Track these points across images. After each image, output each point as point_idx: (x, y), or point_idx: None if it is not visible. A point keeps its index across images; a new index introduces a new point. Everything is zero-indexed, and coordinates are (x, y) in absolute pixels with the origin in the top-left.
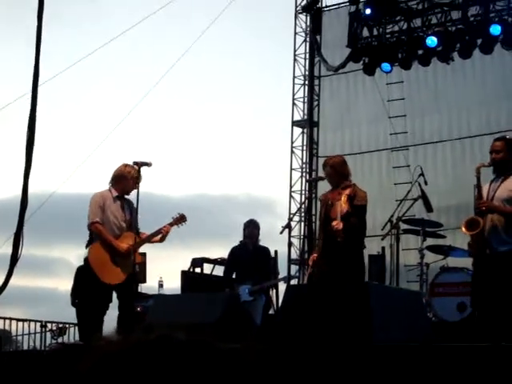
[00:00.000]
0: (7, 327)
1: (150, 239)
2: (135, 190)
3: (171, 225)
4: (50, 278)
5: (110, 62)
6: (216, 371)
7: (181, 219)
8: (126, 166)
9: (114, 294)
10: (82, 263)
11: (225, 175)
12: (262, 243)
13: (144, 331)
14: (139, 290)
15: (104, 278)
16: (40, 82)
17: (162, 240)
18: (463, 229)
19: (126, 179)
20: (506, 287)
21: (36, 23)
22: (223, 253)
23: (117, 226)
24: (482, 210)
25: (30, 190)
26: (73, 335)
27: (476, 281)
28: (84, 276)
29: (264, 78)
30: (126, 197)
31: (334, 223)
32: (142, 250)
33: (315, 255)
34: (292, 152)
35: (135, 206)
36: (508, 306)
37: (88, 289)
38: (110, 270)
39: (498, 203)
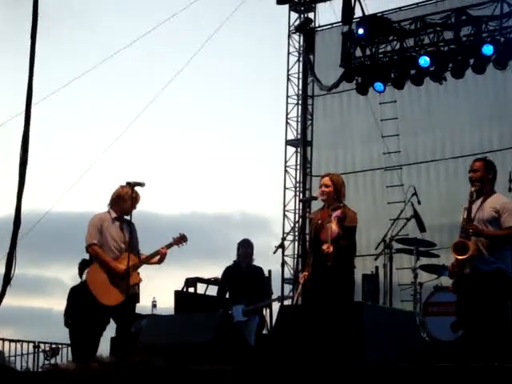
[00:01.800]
0: (0, 348)
1: (148, 260)
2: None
3: (171, 245)
4: (43, 298)
5: (103, 82)
6: None
7: (181, 239)
8: (123, 187)
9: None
10: (75, 283)
11: (219, 194)
12: (256, 262)
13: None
14: None
15: (102, 299)
16: (34, 101)
17: (160, 262)
18: (452, 253)
19: (123, 200)
20: (494, 306)
21: (30, 42)
22: (217, 272)
23: (116, 247)
24: (469, 232)
25: (24, 210)
26: (66, 356)
27: (461, 301)
28: (81, 297)
29: (257, 97)
30: (126, 218)
31: (325, 246)
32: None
33: (306, 273)
34: (285, 171)
35: (134, 227)
36: (497, 325)
37: (85, 310)
38: (109, 292)
39: (480, 224)
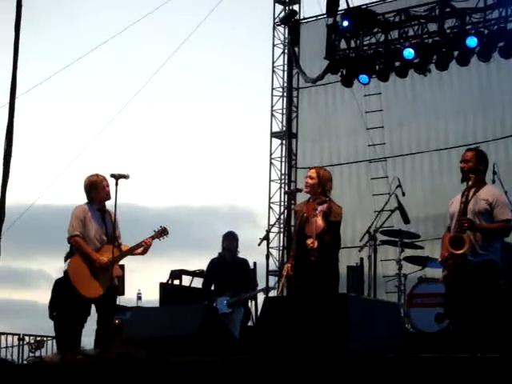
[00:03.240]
0: None
1: (132, 251)
2: (112, 202)
3: (153, 238)
4: (28, 291)
5: (88, 73)
6: None
7: (162, 232)
8: (91, 175)
9: (94, 307)
10: (61, 276)
11: (205, 187)
12: (243, 254)
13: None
14: (117, 303)
15: (83, 291)
16: (18, 93)
17: (144, 253)
18: (449, 247)
19: (97, 189)
20: (483, 297)
21: (14, 34)
22: (203, 265)
23: (97, 238)
24: (464, 226)
25: (8, 202)
26: (51, 348)
27: (450, 292)
28: (63, 289)
29: (242, 89)
30: (108, 209)
31: (309, 241)
32: (120, 262)
33: (289, 265)
34: (271, 163)
35: (116, 217)
36: (483, 316)
37: (66, 302)
38: (90, 284)
39: (472, 216)
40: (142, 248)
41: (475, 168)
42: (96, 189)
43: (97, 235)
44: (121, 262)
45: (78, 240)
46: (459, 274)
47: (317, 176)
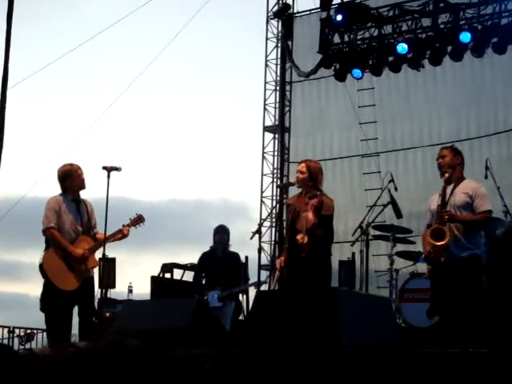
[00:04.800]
0: None
1: (109, 240)
2: (104, 195)
3: (129, 226)
4: (19, 283)
5: (81, 64)
6: (168, 379)
7: (138, 220)
8: (65, 164)
9: None
10: None
11: (198, 180)
12: (235, 248)
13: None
14: (108, 296)
15: (59, 284)
16: (10, 84)
17: (121, 238)
18: (430, 239)
19: (72, 178)
20: (469, 292)
21: (5, 25)
22: (194, 258)
23: (73, 229)
24: (444, 219)
25: None
26: (41, 341)
27: (436, 288)
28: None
29: (235, 83)
30: (83, 198)
31: (299, 237)
32: (111, 255)
33: (282, 259)
34: (263, 157)
35: (91, 208)
36: (471, 311)
37: (51, 294)
38: (65, 276)
39: (453, 209)
40: (119, 236)
41: (451, 162)
42: (70, 178)
43: (72, 226)
44: (111, 255)
45: (53, 232)
46: (444, 269)
47: (307, 170)
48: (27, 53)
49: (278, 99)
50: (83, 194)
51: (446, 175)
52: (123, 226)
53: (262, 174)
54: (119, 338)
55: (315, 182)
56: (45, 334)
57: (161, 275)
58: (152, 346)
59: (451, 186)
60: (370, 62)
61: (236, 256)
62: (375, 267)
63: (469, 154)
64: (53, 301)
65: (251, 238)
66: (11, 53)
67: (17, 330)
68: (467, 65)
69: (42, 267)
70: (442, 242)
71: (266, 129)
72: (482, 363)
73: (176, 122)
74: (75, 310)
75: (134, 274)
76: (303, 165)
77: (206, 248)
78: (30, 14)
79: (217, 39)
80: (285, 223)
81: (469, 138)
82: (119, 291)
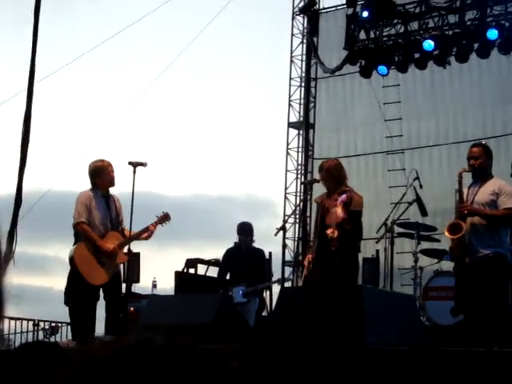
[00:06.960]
0: None
1: (136, 237)
2: (129, 190)
3: (156, 224)
4: (44, 277)
5: (107, 60)
6: (196, 375)
7: (165, 218)
8: (96, 160)
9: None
10: None
11: (223, 176)
12: (258, 243)
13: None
14: (133, 290)
15: (89, 278)
16: (37, 79)
17: (147, 238)
18: (446, 233)
19: (103, 174)
20: (494, 291)
21: (33, 20)
22: (219, 254)
23: (102, 225)
24: (463, 213)
25: (25, 188)
26: (65, 334)
27: (460, 287)
28: (72, 275)
29: (261, 79)
30: (112, 194)
31: (329, 231)
32: (135, 249)
33: (310, 256)
34: (287, 154)
35: (120, 204)
36: (496, 311)
37: (76, 288)
38: (95, 271)
39: (478, 206)
40: (146, 234)
41: (485, 164)
42: (101, 174)
43: (101, 221)
44: (136, 250)
45: (84, 226)
46: (468, 268)
47: (326, 170)
48: (55, 46)
49: (302, 95)
50: (110, 189)
51: (466, 169)
52: (151, 224)
53: (286, 170)
54: (147, 334)
55: (339, 179)
56: (69, 327)
57: (185, 270)
58: (181, 342)
59: (479, 183)
60: (396, 58)
61: (260, 252)
62: (399, 265)
63: (495, 152)
64: (77, 295)
65: (275, 235)
66: (38, 46)
67: (41, 323)
68: (494, 62)
69: (72, 260)
70: (457, 236)
71: (290, 125)
72: (506, 363)
73: (202, 117)
74: (101, 304)
75: (158, 269)
76: (322, 170)
77: (231, 243)
78: (58, 8)
79: (242, 35)
80: (312, 220)
81: (494, 136)
82: (143, 286)
